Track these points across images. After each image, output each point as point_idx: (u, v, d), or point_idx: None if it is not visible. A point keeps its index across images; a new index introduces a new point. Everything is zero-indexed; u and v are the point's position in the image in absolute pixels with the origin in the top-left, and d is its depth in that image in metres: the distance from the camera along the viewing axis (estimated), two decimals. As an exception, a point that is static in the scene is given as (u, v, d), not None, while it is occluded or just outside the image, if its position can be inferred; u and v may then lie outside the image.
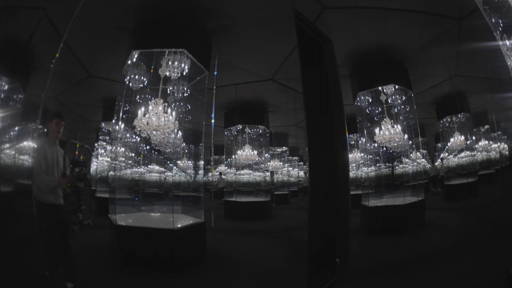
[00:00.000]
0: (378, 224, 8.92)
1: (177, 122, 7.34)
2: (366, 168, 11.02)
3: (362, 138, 10.80)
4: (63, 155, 5.16)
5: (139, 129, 6.91)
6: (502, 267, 5.47)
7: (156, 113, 6.95)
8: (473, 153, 15.83)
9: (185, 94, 7.77)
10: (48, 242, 4.80)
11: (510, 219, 8.59)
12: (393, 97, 10.10)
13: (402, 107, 10.43)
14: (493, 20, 6.76)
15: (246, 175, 14.14)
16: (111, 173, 7.69)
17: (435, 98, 13.87)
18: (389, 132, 9.47)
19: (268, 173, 21.90)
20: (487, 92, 14.91)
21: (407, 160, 10.98)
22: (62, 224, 5.01)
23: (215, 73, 8.08)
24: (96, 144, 8.36)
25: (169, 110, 7.18)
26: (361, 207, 9.75)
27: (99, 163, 8.05)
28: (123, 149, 7.93)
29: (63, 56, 6.56)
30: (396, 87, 9.95)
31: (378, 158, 11.03)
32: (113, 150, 7.68)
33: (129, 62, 7.06)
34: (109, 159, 7.94)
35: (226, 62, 8.86)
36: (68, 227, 5.46)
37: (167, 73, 7.26)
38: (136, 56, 7.10)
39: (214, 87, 7.90)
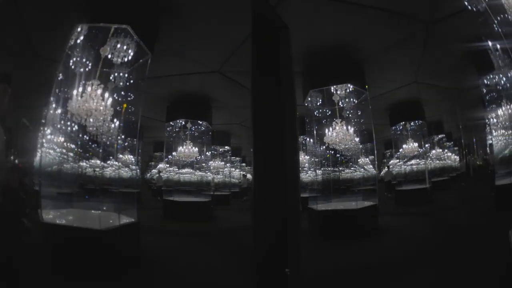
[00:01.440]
0: (329, 229, 8.12)
1: (112, 109, 6.35)
2: (314, 171, 10.42)
3: (310, 140, 10.11)
4: (3, 134, 3.93)
5: (75, 113, 5.96)
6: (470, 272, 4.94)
7: (93, 97, 6.03)
8: (425, 161, 15.83)
9: (126, 80, 6.81)
10: None
11: (469, 225, 8.42)
12: (347, 98, 9.39)
13: (356, 109, 9.71)
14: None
15: (188, 174, 13.49)
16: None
17: (390, 103, 13.58)
18: (339, 133, 8.75)
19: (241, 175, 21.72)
20: (447, 102, 14.98)
21: (358, 164, 10.47)
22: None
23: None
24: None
25: (106, 95, 6.23)
26: (309, 210, 9.06)
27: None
28: (62, 138, 6.99)
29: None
30: (351, 88, 9.20)
31: (324, 161, 10.45)
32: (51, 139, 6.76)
33: (73, 39, 6.14)
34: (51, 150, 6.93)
35: (172, 48, 8.08)
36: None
37: (109, 54, 6.32)
38: (80, 31, 6.16)
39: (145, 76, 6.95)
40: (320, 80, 9.19)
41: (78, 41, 6.23)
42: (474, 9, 5.10)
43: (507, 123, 9.55)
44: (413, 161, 15.75)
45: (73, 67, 6.33)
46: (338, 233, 7.86)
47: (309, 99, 9.56)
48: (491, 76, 9.48)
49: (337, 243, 7.32)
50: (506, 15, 4.27)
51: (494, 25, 4.65)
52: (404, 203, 13.56)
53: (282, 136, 4.35)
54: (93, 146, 7.12)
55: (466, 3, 5.30)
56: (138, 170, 18.56)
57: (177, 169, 13.07)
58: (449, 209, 11.58)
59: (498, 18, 4.44)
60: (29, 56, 7.91)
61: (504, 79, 9.34)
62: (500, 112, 9.41)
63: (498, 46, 4.65)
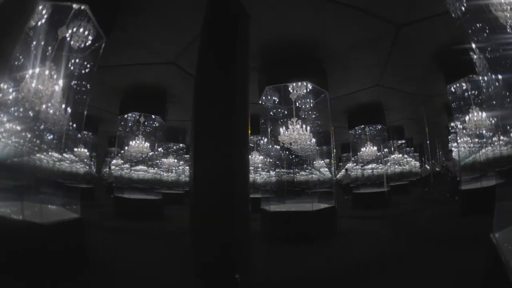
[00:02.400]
0: (283, 231, 7.73)
1: (63, 96, 5.89)
2: (268, 171, 10.10)
3: (264, 139, 9.72)
4: None
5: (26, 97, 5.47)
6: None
7: (45, 80, 5.54)
8: (384, 165, 15.83)
9: (79, 65, 6.32)
10: None
11: (435, 229, 8.26)
12: (305, 97, 9.07)
13: (313, 109, 9.43)
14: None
15: (142, 172, 13.03)
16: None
17: (350, 105, 13.45)
18: (295, 132, 8.39)
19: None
20: (409, 107, 15.07)
21: (313, 166, 10.20)
22: None
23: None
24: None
25: (60, 82, 5.75)
26: (261, 211, 8.64)
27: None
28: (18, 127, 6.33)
29: None
30: (310, 86, 8.85)
31: (279, 162, 10.14)
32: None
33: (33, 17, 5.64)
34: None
35: (129, 36, 7.55)
36: None
37: (67, 35, 5.85)
38: (41, 9, 5.64)
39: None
40: (277, 76, 8.77)
41: (38, 19, 5.70)
42: (453, 13, 4.81)
43: (471, 131, 9.89)
44: (371, 165, 15.72)
45: (31, 47, 5.84)
46: (292, 236, 7.45)
47: (264, 97, 9.17)
48: (459, 83, 9.79)
49: (291, 246, 6.94)
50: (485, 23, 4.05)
51: (471, 31, 4.31)
52: (362, 206, 13.39)
53: (230, 134, 4.02)
54: (48, 136, 6.50)
55: (448, 6, 4.99)
56: (92, 165, 18.08)
57: (128, 166, 12.56)
58: (411, 213, 11.47)
59: (477, 24, 4.18)
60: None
61: (471, 86, 9.45)
62: (467, 118, 9.62)
63: (476, 51, 4.35)
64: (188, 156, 19.80)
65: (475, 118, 9.40)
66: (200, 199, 3.92)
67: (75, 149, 12.30)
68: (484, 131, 9.57)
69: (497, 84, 4.08)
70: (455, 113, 10.20)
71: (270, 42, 7.96)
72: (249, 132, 4.87)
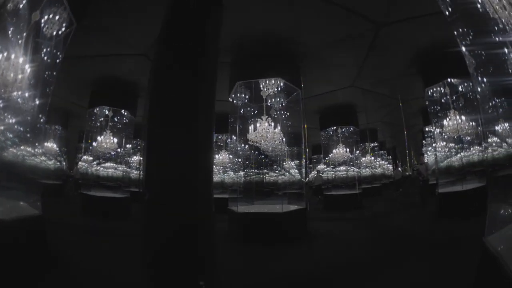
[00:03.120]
0: (251, 233, 7.47)
1: (30, 84, 5.56)
2: (236, 171, 9.85)
3: (233, 137, 9.42)
4: None
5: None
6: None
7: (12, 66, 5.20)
8: (356, 167, 15.77)
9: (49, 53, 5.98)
10: None
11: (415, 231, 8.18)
12: (276, 95, 8.82)
13: (285, 108, 9.21)
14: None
15: (110, 169, 12.63)
16: None
17: (323, 105, 13.35)
18: (264, 131, 8.14)
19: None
20: (384, 110, 15.13)
21: (283, 167, 9.98)
22: None
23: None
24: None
25: (27, 67, 5.40)
26: (228, 212, 8.42)
27: None
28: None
29: None
30: (282, 83, 8.64)
31: (248, 162, 9.88)
32: None
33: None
34: None
35: (100, 24, 7.19)
36: None
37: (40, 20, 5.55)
38: None
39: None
40: (248, 71, 8.52)
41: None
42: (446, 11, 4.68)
43: (449, 135, 9.98)
44: (343, 167, 15.64)
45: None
46: (260, 238, 7.18)
47: (234, 94, 8.92)
48: (437, 87, 9.82)
49: (260, 249, 6.69)
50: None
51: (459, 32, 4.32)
52: (333, 208, 13.24)
53: (193, 134, 3.77)
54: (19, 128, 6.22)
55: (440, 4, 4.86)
56: (63, 161, 17.56)
57: (96, 162, 12.18)
58: (383, 215, 11.48)
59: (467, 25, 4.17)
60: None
61: (450, 91, 9.43)
62: (445, 122, 9.60)
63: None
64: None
65: (453, 122, 9.41)
66: (160, 200, 3.67)
67: (45, 144, 11.95)
68: (462, 136, 9.67)
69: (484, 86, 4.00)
70: (432, 117, 10.20)
71: (244, 36, 7.71)
72: (213, 131, 4.62)
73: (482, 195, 7.87)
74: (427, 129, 16.20)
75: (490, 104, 3.95)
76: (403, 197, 17.84)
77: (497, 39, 3.59)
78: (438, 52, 8.74)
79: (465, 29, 4.27)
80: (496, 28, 3.52)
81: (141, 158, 16.92)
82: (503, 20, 3.40)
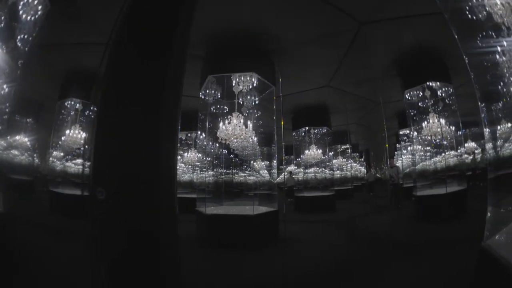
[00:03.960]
0: (219, 236, 7.06)
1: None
2: (205, 170, 9.39)
3: (202, 135, 8.91)
4: None
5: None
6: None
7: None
8: (329, 168, 15.55)
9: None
10: None
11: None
12: (249, 91, 8.39)
13: (258, 106, 8.82)
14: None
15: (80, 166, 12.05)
16: None
17: (297, 104, 12.95)
18: (235, 128, 7.71)
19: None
20: (359, 112, 15.02)
21: (254, 167, 9.57)
22: None
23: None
24: None
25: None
26: (196, 213, 8.04)
27: None
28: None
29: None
30: (256, 79, 8.22)
31: (217, 161, 9.44)
32: None
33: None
34: None
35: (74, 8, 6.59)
36: None
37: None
38: None
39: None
40: (221, 65, 8.07)
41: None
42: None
43: (428, 139, 10.06)
44: (315, 168, 15.35)
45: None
46: (229, 241, 6.83)
47: (205, 89, 8.47)
48: (417, 90, 9.81)
49: (229, 254, 6.34)
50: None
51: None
52: (306, 210, 12.94)
53: (155, 131, 3.42)
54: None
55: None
56: (35, 156, 16.80)
57: (64, 158, 11.59)
58: (357, 218, 11.37)
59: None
60: None
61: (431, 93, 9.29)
62: (424, 126, 9.55)
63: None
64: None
65: (432, 125, 9.31)
66: (114, 202, 3.27)
67: (16, 137, 11.31)
68: (440, 140, 9.70)
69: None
70: (410, 120, 10.23)
71: (218, 28, 7.25)
72: (178, 125, 4.23)
73: (460, 199, 7.92)
74: (401, 132, 16.20)
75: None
76: (376, 199, 17.81)
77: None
78: (419, 54, 8.65)
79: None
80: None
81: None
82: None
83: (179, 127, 3.76)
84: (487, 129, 4.11)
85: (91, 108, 11.09)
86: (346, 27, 7.27)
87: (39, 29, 5.63)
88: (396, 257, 5.74)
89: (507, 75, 3.68)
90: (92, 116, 11.31)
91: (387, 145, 24.37)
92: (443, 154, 10.45)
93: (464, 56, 4.13)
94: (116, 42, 3.84)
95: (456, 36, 4.24)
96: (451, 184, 9.13)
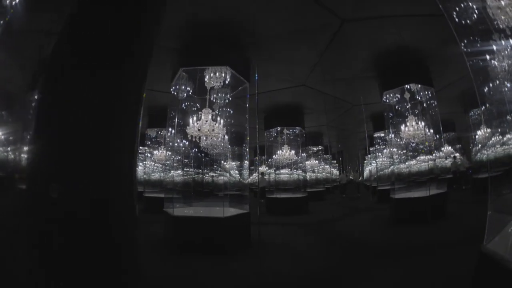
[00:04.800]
0: (188, 239, 6.57)
1: None
2: (174, 169, 8.89)
3: (172, 132, 8.34)
4: None
5: None
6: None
7: None
8: (302, 170, 15.29)
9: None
10: None
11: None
12: (222, 88, 7.92)
13: (231, 103, 8.37)
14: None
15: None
16: None
17: (270, 103, 12.58)
18: (206, 125, 7.23)
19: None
20: (334, 113, 14.77)
21: (225, 167, 9.11)
22: None
23: None
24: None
25: None
26: (165, 214, 7.51)
27: None
28: None
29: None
30: (229, 75, 7.66)
31: (187, 160, 8.95)
32: None
33: None
34: None
35: None
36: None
37: None
38: None
39: None
40: (193, 58, 7.60)
41: None
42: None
43: (405, 141, 9.90)
44: (287, 170, 15.09)
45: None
46: (199, 245, 6.34)
47: (176, 84, 7.98)
48: (395, 92, 9.65)
49: (196, 258, 5.83)
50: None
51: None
52: (278, 212, 12.60)
53: (112, 128, 3.06)
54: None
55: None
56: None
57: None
58: (331, 221, 10.80)
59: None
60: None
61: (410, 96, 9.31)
62: (402, 128, 9.30)
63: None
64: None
65: (411, 129, 9.10)
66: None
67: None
68: (417, 143, 9.63)
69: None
70: (388, 122, 9.99)
71: (192, 18, 6.76)
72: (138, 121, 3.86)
73: (437, 202, 7.76)
74: (376, 135, 16.16)
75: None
76: (348, 201, 17.98)
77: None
78: (400, 56, 8.48)
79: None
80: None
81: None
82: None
83: (139, 125, 3.39)
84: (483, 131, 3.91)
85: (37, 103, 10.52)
86: (327, 23, 6.95)
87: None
88: (373, 262, 5.43)
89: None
90: (39, 112, 10.76)
91: (361, 148, 24.60)
92: (419, 158, 10.34)
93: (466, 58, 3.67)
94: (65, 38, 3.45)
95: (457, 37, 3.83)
96: (429, 187, 8.98)
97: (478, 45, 3.76)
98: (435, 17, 6.80)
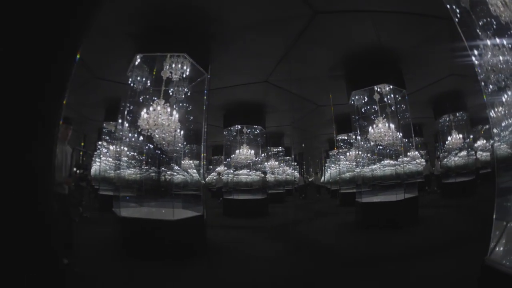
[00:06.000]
0: (137, 244, 5.92)
1: None
2: (126, 166, 8.15)
3: (123, 126, 7.52)
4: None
5: None
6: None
7: None
8: (261, 171, 14.84)
9: None
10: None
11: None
12: (179, 80, 7.22)
13: (189, 97, 7.58)
14: None
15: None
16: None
17: (229, 100, 12.08)
18: (160, 117, 6.51)
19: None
20: (297, 113, 14.36)
21: (182, 164, 8.38)
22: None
23: None
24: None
25: None
26: (112, 214, 6.81)
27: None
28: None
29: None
30: (187, 66, 7.01)
31: (138, 155, 8.20)
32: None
33: None
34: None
35: None
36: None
37: None
38: None
39: None
40: (148, 45, 6.93)
41: None
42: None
43: (372, 144, 9.65)
44: (245, 170, 14.61)
45: None
46: (146, 250, 5.70)
47: (132, 72, 7.20)
48: (364, 93, 9.47)
49: (143, 265, 5.21)
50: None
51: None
52: (236, 215, 12.06)
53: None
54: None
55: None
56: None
57: None
58: (293, 224, 10.30)
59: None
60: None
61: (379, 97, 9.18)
62: (370, 131, 9.10)
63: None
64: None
65: (380, 131, 8.83)
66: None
67: None
68: (386, 146, 9.37)
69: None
70: (355, 124, 9.81)
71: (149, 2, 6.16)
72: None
73: (409, 206, 7.45)
74: (339, 137, 16.04)
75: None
76: (311, 204, 17.68)
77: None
78: (373, 55, 8.14)
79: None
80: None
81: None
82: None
83: (59, 123, 2.88)
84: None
85: None
86: (298, 14, 6.44)
87: None
88: (344, 272, 4.92)
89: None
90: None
91: (324, 150, 24.56)
92: (386, 161, 10.09)
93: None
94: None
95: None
96: (396, 192, 8.67)
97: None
98: (415, 15, 6.56)
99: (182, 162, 8.24)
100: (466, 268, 3.88)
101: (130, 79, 7.23)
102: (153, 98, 7.06)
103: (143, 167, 8.15)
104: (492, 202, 3.13)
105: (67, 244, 5.13)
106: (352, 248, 6.56)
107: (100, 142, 14.43)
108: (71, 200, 6.60)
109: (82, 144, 17.54)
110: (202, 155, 7.42)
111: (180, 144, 7.41)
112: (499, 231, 3.17)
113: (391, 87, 8.94)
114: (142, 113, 6.60)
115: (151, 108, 6.66)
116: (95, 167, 16.26)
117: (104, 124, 13.48)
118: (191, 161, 8.94)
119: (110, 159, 13.83)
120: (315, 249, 6.72)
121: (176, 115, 6.81)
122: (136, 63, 7.05)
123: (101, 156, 14.48)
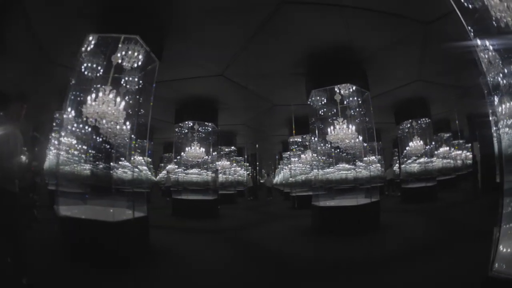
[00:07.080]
0: (75, 248, 5.32)
1: None
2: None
3: (71, 114, 6.82)
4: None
5: None
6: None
7: None
8: (212, 171, 14.44)
9: None
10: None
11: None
12: (132, 68, 6.64)
13: (139, 82, 6.94)
14: None
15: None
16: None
17: (181, 94, 11.60)
18: (105, 106, 5.83)
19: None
20: (252, 111, 14.15)
21: (133, 160, 7.77)
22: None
23: None
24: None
25: None
26: (54, 212, 6.19)
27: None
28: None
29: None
30: (141, 52, 6.35)
31: (88, 149, 7.58)
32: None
33: None
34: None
35: None
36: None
37: None
38: None
39: None
40: (104, 25, 6.36)
41: None
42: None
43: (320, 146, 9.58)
44: (196, 169, 14.25)
45: None
46: (83, 253, 5.08)
47: (82, 55, 6.53)
48: (322, 94, 9.20)
49: (82, 271, 4.66)
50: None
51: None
52: (185, 215, 11.57)
53: None
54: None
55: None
56: None
57: None
58: (245, 227, 9.80)
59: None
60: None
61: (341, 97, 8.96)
62: (329, 132, 8.77)
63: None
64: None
65: (340, 133, 8.52)
66: None
67: None
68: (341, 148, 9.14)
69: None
70: (312, 125, 9.38)
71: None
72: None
73: (370, 211, 7.23)
74: (291, 139, 15.97)
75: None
76: (262, 206, 17.52)
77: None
78: (338, 52, 7.92)
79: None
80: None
81: None
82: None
83: None
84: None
85: None
86: (262, 2, 6.07)
87: None
88: (302, 284, 4.50)
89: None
90: None
91: (278, 151, 24.51)
92: (343, 164, 9.94)
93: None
94: None
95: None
96: (370, 195, 8.55)
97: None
98: (388, 15, 6.39)
99: (132, 157, 7.69)
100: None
101: (79, 64, 6.66)
102: (101, 85, 6.45)
103: (88, 160, 7.63)
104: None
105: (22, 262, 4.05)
106: (310, 256, 6.11)
107: (53, 134, 13.28)
108: (23, 200, 5.38)
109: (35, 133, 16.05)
110: (147, 150, 6.91)
111: (126, 139, 6.80)
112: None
113: (354, 87, 8.69)
114: (88, 99, 5.93)
115: (99, 95, 5.99)
116: (48, 160, 14.96)
117: (57, 113, 12.27)
118: (142, 157, 8.47)
119: (62, 152, 13.05)
120: (267, 255, 6.25)
121: (122, 103, 6.17)
122: (88, 45, 6.43)
123: (52, 147, 13.51)
